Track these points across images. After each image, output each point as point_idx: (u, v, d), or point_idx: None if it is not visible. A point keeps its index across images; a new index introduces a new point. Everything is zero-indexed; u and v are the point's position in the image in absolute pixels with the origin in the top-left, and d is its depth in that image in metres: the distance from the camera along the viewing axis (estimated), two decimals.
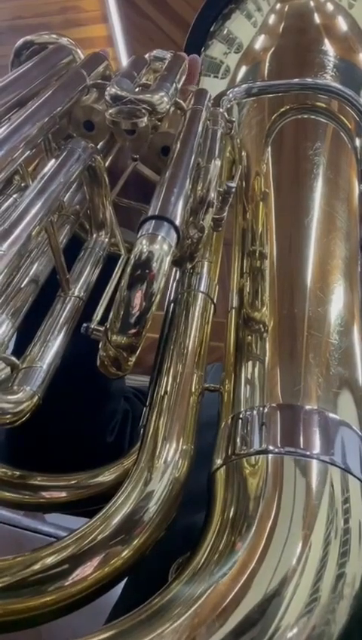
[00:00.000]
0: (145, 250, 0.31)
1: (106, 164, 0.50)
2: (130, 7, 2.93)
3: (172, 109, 0.47)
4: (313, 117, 0.63)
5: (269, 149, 0.61)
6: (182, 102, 0.48)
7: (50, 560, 0.30)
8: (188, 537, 0.32)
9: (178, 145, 0.43)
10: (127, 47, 3.02)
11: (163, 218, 0.32)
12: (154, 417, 0.37)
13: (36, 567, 0.30)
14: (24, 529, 1.36)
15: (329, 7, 0.75)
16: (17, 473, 0.38)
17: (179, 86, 0.48)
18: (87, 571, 0.30)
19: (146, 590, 0.33)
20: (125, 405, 0.62)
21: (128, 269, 0.31)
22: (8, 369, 0.34)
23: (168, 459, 0.35)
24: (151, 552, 0.32)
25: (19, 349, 0.37)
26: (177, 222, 0.33)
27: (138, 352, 0.33)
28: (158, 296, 0.31)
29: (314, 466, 0.31)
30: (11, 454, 0.51)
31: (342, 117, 0.64)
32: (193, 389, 0.39)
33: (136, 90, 0.45)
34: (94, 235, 0.47)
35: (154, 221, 0.32)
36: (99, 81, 0.48)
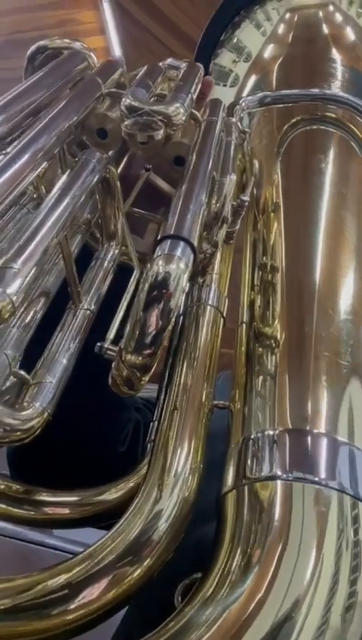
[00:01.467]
0: (161, 270, 0.31)
1: (118, 170, 0.49)
2: (127, 18, 2.95)
3: (187, 118, 0.47)
4: (323, 127, 0.63)
5: (280, 159, 0.61)
6: (197, 112, 0.48)
7: (55, 582, 0.30)
8: (196, 550, 0.32)
9: (193, 157, 0.43)
10: (124, 57, 3.04)
11: (179, 237, 0.32)
12: (163, 433, 0.37)
13: (40, 589, 0.29)
14: (30, 542, 1.35)
15: (338, 17, 0.75)
16: (22, 488, 0.38)
17: (195, 96, 0.48)
18: (94, 594, 0.29)
19: (153, 605, 0.33)
20: (136, 415, 0.62)
21: (145, 290, 0.31)
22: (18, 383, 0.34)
23: (178, 477, 0.34)
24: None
25: (29, 363, 0.37)
26: (194, 240, 0.33)
27: (152, 371, 0.33)
28: (174, 317, 0.31)
29: (323, 493, 0.31)
30: (20, 467, 0.51)
31: (353, 126, 0.64)
32: (202, 405, 0.39)
33: (152, 100, 0.45)
34: (105, 245, 0.46)
35: (170, 240, 0.32)
36: (113, 89, 0.47)
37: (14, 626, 0.29)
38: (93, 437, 0.54)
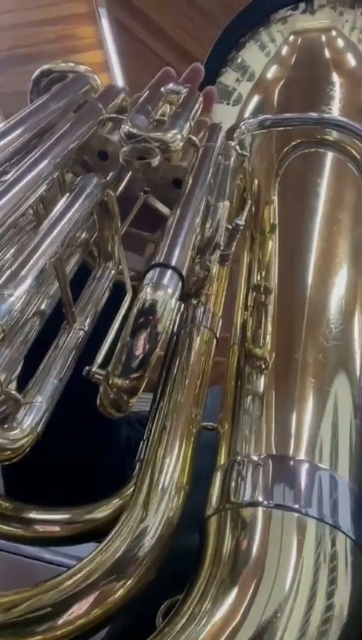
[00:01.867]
0: (148, 298, 0.32)
1: (118, 191, 0.50)
2: (125, 33, 2.98)
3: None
4: (322, 150, 0.64)
5: (278, 181, 0.62)
6: (195, 138, 0.49)
7: (43, 599, 0.30)
8: (178, 560, 0.32)
9: (189, 183, 0.44)
10: (122, 72, 3.09)
11: (168, 266, 0.33)
12: (151, 452, 0.38)
13: (26, 606, 0.30)
14: (25, 556, 1.35)
15: (340, 42, 0.76)
16: (11, 506, 0.39)
17: (193, 123, 0.49)
18: (80, 611, 0.30)
19: (133, 626, 0.33)
20: (128, 432, 0.62)
21: (132, 316, 0.32)
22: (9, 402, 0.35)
23: (164, 496, 0.35)
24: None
25: (20, 382, 0.38)
26: (183, 270, 0.33)
27: (139, 394, 0.34)
28: (162, 339, 0.32)
29: (302, 521, 0.31)
30: (10, 484, 0.51)
31: (352, 149, 0.65)
32: (191, 426, 0.40)
33: (151, 126, 0.46)
34: (102, 265, 0.47)
35: (159, 269, 0.33)
36: (114, 115, 0.49)
37: None
38: (83, 453, 0.54)
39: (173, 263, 0.33)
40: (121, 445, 0.60)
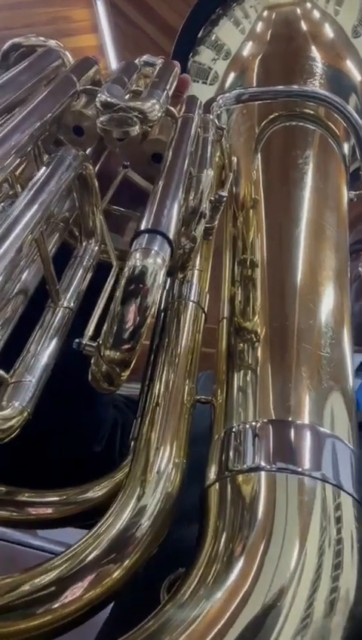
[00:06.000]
0: (138, 264, 0.30)
1: (96, 169, 0.49)
2: (120, 16, 2.94)
3: (163, 115, 0.47)
4: (301, 124, 0.63)
5: (259, 156, 0.61)
6: (173, 109, 0.48)
7: (39, 581, 0.29)
8: (178, 551, 0.32)
9: (170, 153, 0.43)
10: (117, 56, 3.06)
11: (156, 232, 0.32)
12: (145, 430, 0.37)
13: (25, 589, 0.29)
14: (15, 543, 1.33)
15: (316, 14, 0.76)
16: (4, 489, 0.37)
17: (170, 93, 0.48)
18: (78, 592, 0.29)
19: (135, 606, 0.32)
20: (114, 414, 0.61)
21: (122, 284, 0.31)
22: None
23: (161, 473, 0.34)
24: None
25: (6, 362, 0.36)
26: (171, 235, 0.32)
27: (131, 367, 0.33)
28: (152, 311, 0.31)
29: (306, 482, 0.31)
30: None
31: (331, 124, 0.65)
32: (185, 401, 0.39)
33: (127, 97, 0.44)
34: (84, 243, 0.46)
35: (147, 235, 0.32)
36: (89, 86, 0.47)
37: (1, 626, 0.28)
38: (67, 434, 0.53)
39: (162, 229, 0.32)
40: (106, 428, 0.59)
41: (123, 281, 0.30)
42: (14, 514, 0.37)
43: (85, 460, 0.51)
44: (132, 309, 0.30)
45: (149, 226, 0.32)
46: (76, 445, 0.55)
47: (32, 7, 2.96)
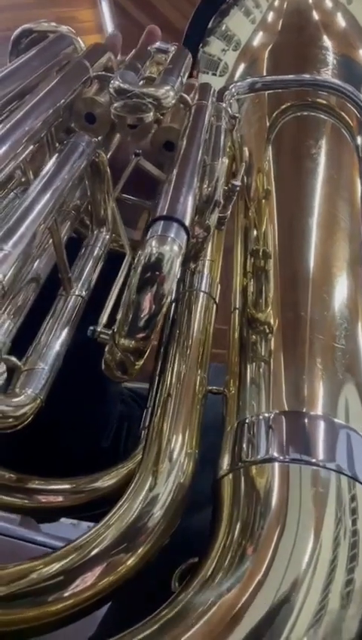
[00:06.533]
0: (154, 252, 0.30)
1: (108, 156, 0.48)
2: (124, 17, 2.92)
3: (176, 102, 0.46)
4: (314, 114, 0.63)
5: (271, 146, 0.60)
6: (186, 96, 0.47)
7: (49, 569, 0.29)
8: (188, 539, 0.32)
9: (184, 141, 0.42)
10: (122, 57, 3.04)
11: (172, 219, 0.32)
12: (157, 420, 0.37)
13: (35, 576, 0.29)
14: (19, 539, 1.34)
15: (328, 3, 0.74)
16: (15, 476, 0.37)
17: (185, 80, 0.47)
18: (89, 581, 0.29)
19: (143, 594, 0.32)
20: (122, 408, 0.60)
21: (138, 271, 0.30)
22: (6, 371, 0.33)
23: (173, 463, 0.34)
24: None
25: (19, 350, 0.36)
26: (187, 222, 0.32)
27: (145, 356, 0.32)
28: (169, 299, 0.31)
29: (321, 474, 0.30)
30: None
31: (344, 113, 0.64)
32: (197, 391, 0.39)
33: (141, 83, 0.44)
34: (95, 232, 0.46)
35: (163, 222, 0.32)
36: (102, 73, 0.47)
37: (10, 614, 0.28)
38: (74, 429, 0.53)
39: (178, 216, 0.32)
40: (112, 422, 0.59)
41: (139, 269, 0.30)
42: (25, 501, 0.37)
43: (92, 456, 0.51)
44: (148, 297, 0.30)
45: (165, 213, 0.32)
46: (85, 439, 0.54)
47: (37, 7, 2.97)
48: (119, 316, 0.32)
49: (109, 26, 3.02)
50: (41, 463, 0.50)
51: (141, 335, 0.31)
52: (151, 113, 0.40)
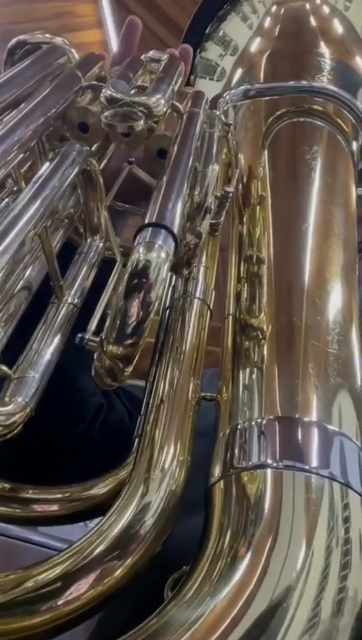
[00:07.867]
0: (142, 258, 0.30)
1: (101, 166, 0.49)
2: (125, 11, 2.93)
3: (168, 111, 0.46)
4: (309, 120, 0.63)
5: (266, 152, 0.60)
6: (178, 104, 0.48)
7: (43, 578, 0.29)
8: (180, 547, 0.31)
9: (175, 148, 0.42)
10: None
11: (160, 225, 0.32)
12: (150, 427, 0.37)
13: (28, 585, 0.29)
14: (15, 539, 1.34)
15: (325, 10, 0.75)
16: (8, 486, 0.37)
17: (176, 88, 0.47)
18: (82, 589, 0.29)
19: (136, 601, 0.32)
20: (101, 400, 0.60)
21: (125, 278, 0.30)
22: None
23: (165, 471, 0.34)
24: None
25: (10, 358, 0.36)
26: (175, 229, 0.32)
27: (134, 363, 0.32)
28: (156, 306, 0.30)
29: (313, 480, 0.30)
30: None
31: (339, 120, 0.64)
32: (190, 398, 0.38)
33: (132, 92, 0.44)
34: (88, 240, 0.46)
35: (151, 228, 0.32)
36: (94, 82, 0.47)
37: (5, 623, 0.28)
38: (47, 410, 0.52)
39: (166, 223, 0.32)
40: (88, 410, 0.58)
41: (126, 276, 0.30)
42: (18, 511, 0.37)
43: (62, 439, 0.50)
44: (135, 304, 0.30)
45: (153, 220, 0.32)
46: (56, 422, 0.53)
47: (37, 2, 2.96)
48: (107, 323, 0.32)
49: (109, 21, 3.00)
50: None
51: (129, 342, 0.31)
52: (142, 121, 0.40)
